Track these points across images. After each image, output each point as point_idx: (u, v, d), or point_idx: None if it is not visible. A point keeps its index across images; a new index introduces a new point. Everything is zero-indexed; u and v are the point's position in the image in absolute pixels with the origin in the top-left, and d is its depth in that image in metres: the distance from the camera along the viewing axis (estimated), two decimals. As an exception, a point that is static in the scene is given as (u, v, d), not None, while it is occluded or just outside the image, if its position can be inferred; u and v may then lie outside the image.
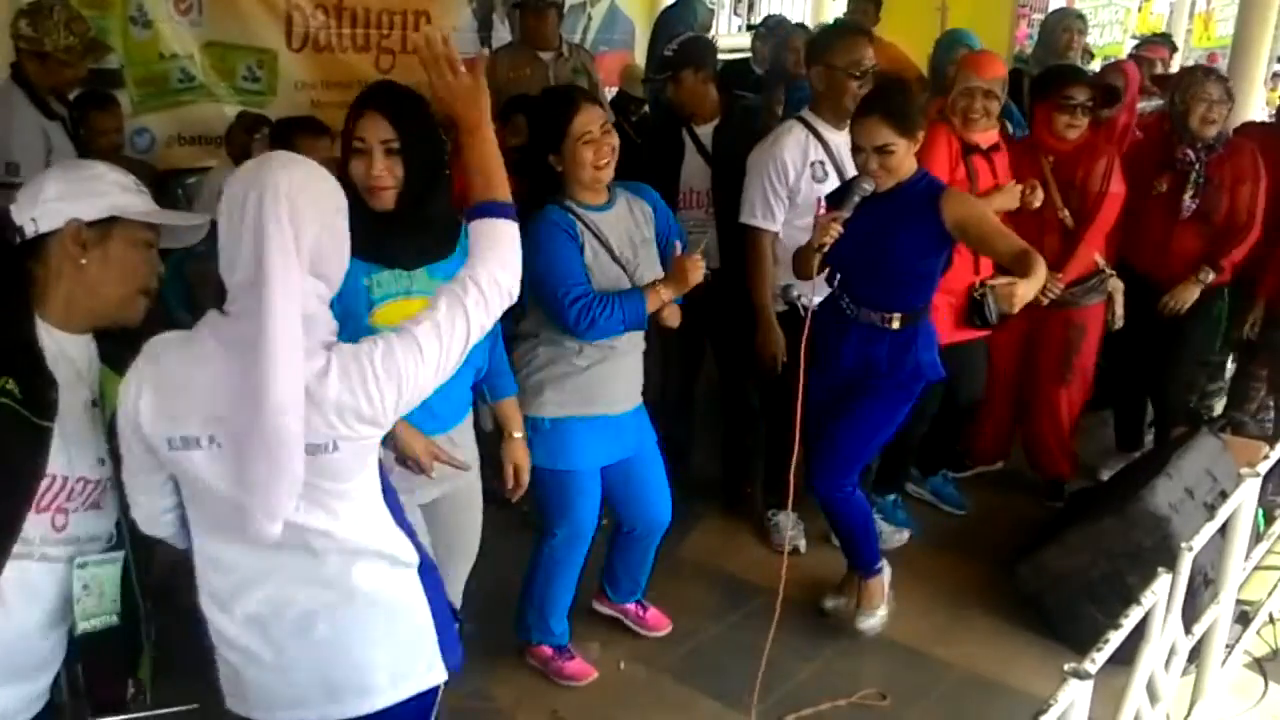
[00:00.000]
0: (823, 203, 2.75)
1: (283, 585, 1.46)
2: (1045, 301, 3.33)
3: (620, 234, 2.39)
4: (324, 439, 1.38)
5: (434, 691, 1.56)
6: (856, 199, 2.51)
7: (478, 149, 1.53)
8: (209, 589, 1.50)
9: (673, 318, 2.46)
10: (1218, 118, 3.37)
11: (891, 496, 3.42)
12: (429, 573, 1.56)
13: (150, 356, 1.42)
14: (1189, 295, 3.51)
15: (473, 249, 1.50)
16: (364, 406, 1.38)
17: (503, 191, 1.54)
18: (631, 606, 2.86)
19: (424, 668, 1.53)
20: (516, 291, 1.51)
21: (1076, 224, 3.34)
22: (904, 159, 2.52)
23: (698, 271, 2.33)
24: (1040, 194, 3.15)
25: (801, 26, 5.22)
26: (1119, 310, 3.51)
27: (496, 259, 1.49)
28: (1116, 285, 3.47)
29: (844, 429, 2.70)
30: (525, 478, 2.27)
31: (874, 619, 2.82)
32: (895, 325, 2.62)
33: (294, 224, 1.35)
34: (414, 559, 1.53)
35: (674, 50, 3.24)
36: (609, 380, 2.45)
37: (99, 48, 3.22)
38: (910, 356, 2.64)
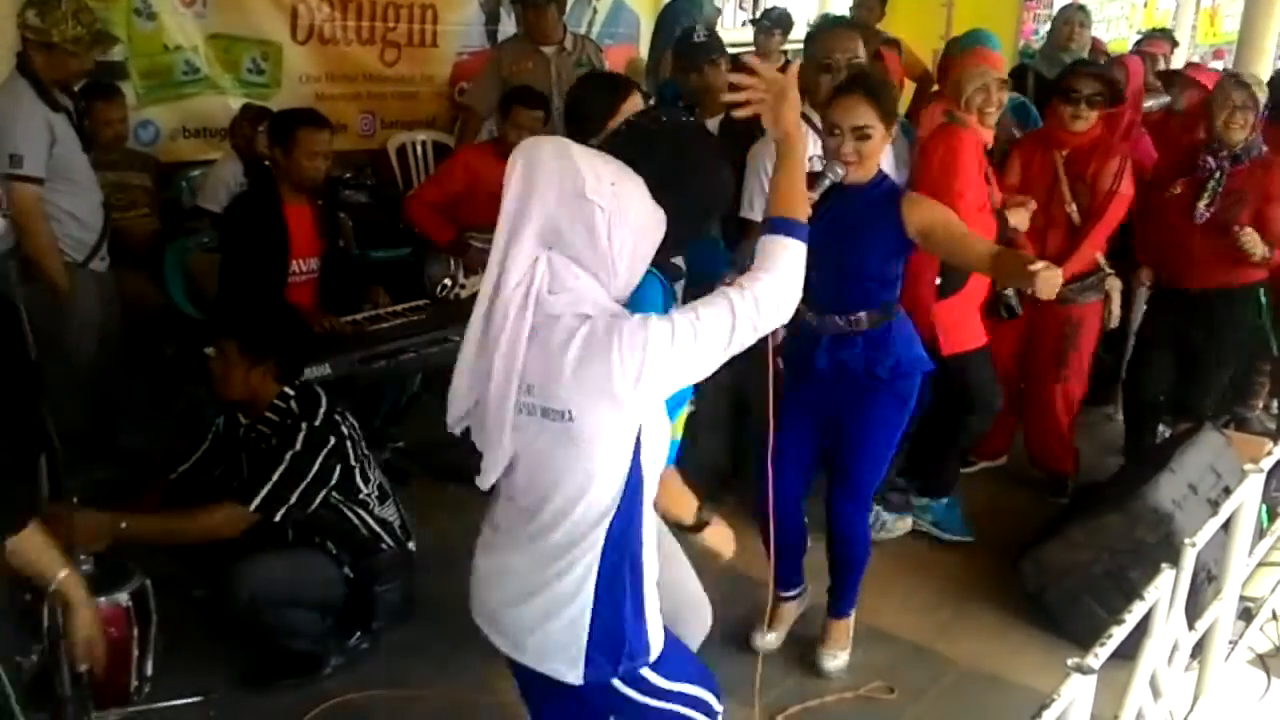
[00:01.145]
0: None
1: None
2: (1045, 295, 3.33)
3: None
4: (561, 406, 1.46)
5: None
6: (827, 182, 2.35)
7: (790, 161, 1.62)
8: None
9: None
10: (1242, 124, 3.29)
11: (944, 500, 3.36)
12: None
13: None
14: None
15: (759, 262, 1.55)
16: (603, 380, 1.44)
17: (801, 210, 1.59)
18: None
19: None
20: (788, 316, 1.56)
21: (1083, 220, 3.34)
22: (877, 148, 2.40)
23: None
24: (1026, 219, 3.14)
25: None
26: (1115, 309, 3.49)
27: (780, 277, 1.54)
28: (1114, 284, 3.46)
29: (853, 459, 2.57)
30: None
31: (842, 658, 2.74)
32: (864, 325, 2.49)
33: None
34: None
35: (705, 36, 3.21)
36: None
37: (106, 39, 3.21)
38: (888, 354, 2.49)
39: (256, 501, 2.41)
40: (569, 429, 1.48)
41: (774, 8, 5.31)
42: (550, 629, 1.59)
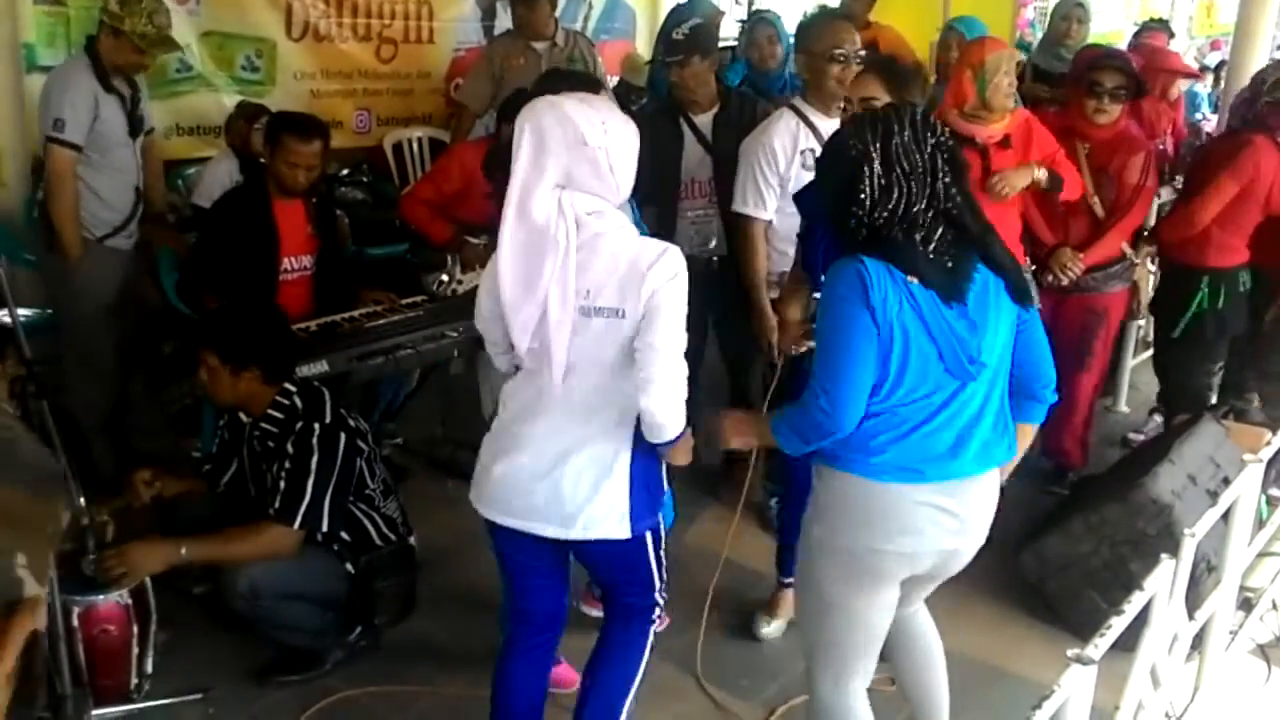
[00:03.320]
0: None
1: None
2: (1064, 281, 3.33)
3: None
4: (616, 304, 1.84)
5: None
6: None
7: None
8: None
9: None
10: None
11: None
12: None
13: None
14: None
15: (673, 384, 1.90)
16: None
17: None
18: None
19: None
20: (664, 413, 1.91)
21: (1106, 212, 3.33)
22: None
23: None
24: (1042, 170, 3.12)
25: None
26: (1144, 300, 3.49)
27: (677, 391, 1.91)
28: (1142, 274, 3.45)
29: None
30: None
31: (780, 624, 2.83)
32: None
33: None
34: None
35: (685, 34, 3.21)
36: None
37: (170, 44, 3.35)
38: None
39: (299, 519, 2.43)
40: (621, 324, 1.82)
41: (758, 10, 5.29)
42: (600, 498, 1.90)
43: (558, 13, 4.49)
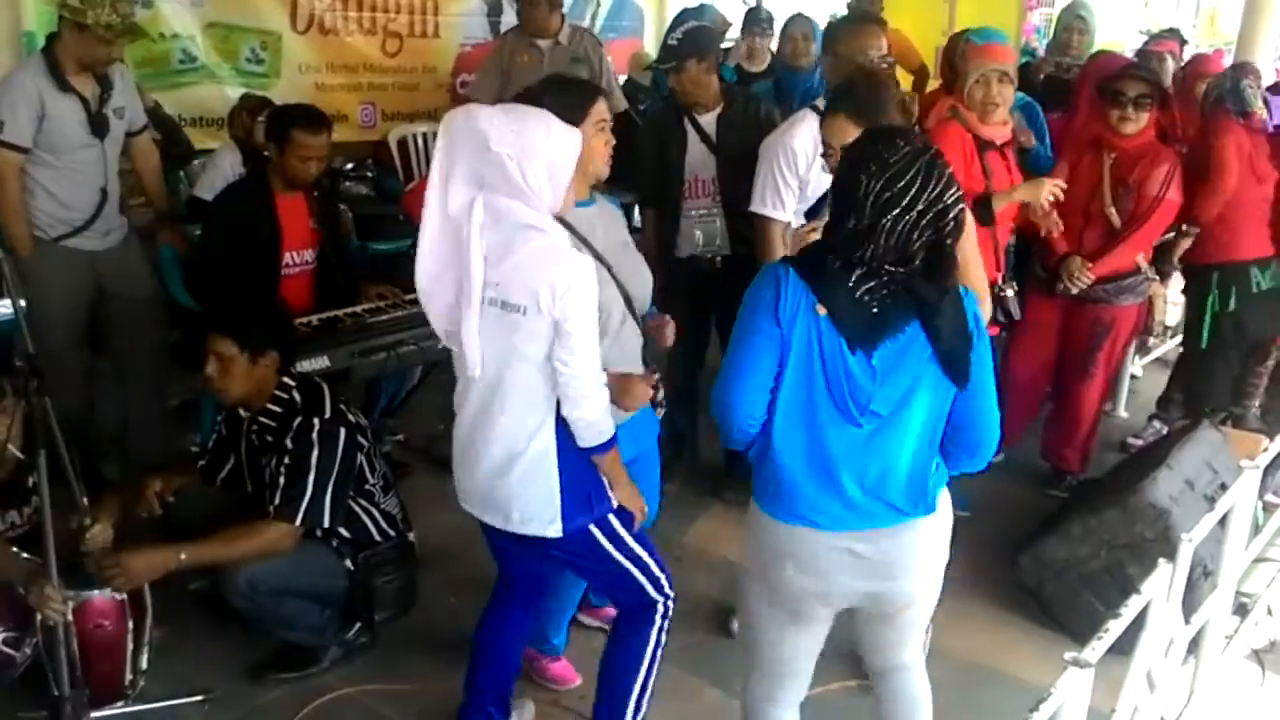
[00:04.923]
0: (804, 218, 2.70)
1: None
2: (1074, 290, 3.34)
3: (600, 232, 2.26)
4: (518, 301, 1.88)
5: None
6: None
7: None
8: None
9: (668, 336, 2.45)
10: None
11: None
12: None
13: None
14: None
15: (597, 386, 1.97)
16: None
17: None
18: (614, 610, 2.83)
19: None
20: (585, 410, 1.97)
21: (1123, 223, 3.34)
22: None
23: (640, 396, 2.17)
24: (1059, 190, 3.12)
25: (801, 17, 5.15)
26: (1159, 316, 3.49)
27: (600, 399, 1.96)
28: (1158, 290, 3.45)
29: None
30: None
31: None
32: None
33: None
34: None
35: (679, 39, 3.23)
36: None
37: (136, 31, 3.28)
38: None
39: (300, 516, 2.42)
40: (525, 321, 1.87)
41: (759, 9, 5.28)
42: (530, 495, 1.97)
43: (565, 9, 4.47)
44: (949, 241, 1.67)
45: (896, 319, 1.69)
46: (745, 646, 2.06)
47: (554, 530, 1.99)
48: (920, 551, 1.84)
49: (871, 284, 1.68)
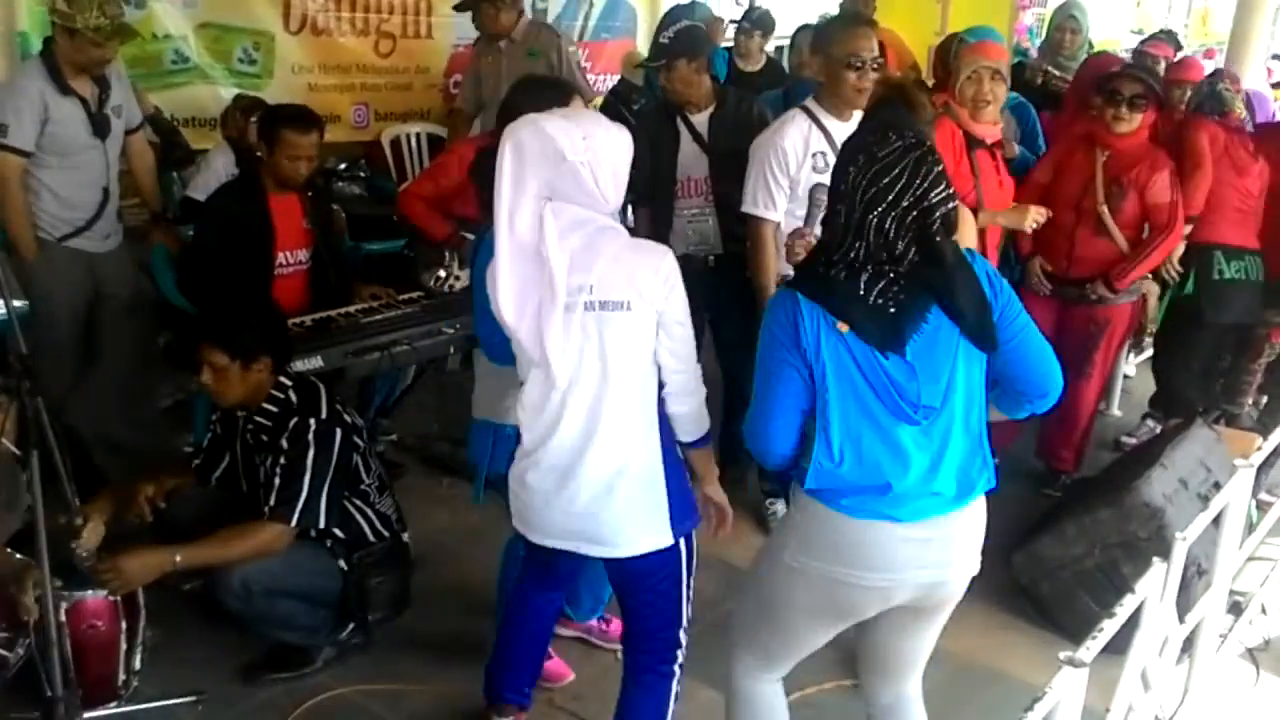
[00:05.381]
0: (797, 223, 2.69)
1: None
2: (1042, 292, 3.36)
3: None
4: (620, 298, 1.87)
5: None
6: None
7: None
8: None
9: None
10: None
11: None
12: None
13: None
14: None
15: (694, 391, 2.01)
16: None
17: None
18: (595, 624, 2.81)
19: None
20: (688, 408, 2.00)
21: (1117, 223, 3.34)
22: None
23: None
24: (1042, 217, 3.15)
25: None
26: (1153, 314, 3.50)
27: (699, 399, 2.00)
28: (1151, 289, 3.45)
29: None
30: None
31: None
32: None
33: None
34: None
35: (669, 39, 3.22)
36: None
37: (127, 31, 3.28)
38: None
39: (295, 517, 2.42)
40: (628, 317, 1.85)
41: (754, 8, 5.29)
42: (642, 506, 1.92)
43: (511, 9, 4.40)
44: (938, 239, 1.67)
45: (916, 311, 1.68)
46: (747, 627, 1.99)
47: (665, 539, 1.96)
48: (973, 535, 1.87)
49: (881, 284, 1.68)
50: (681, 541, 2.01)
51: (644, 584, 2.04)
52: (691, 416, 1.95)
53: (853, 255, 1.67)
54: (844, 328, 1.67)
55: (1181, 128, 3.68)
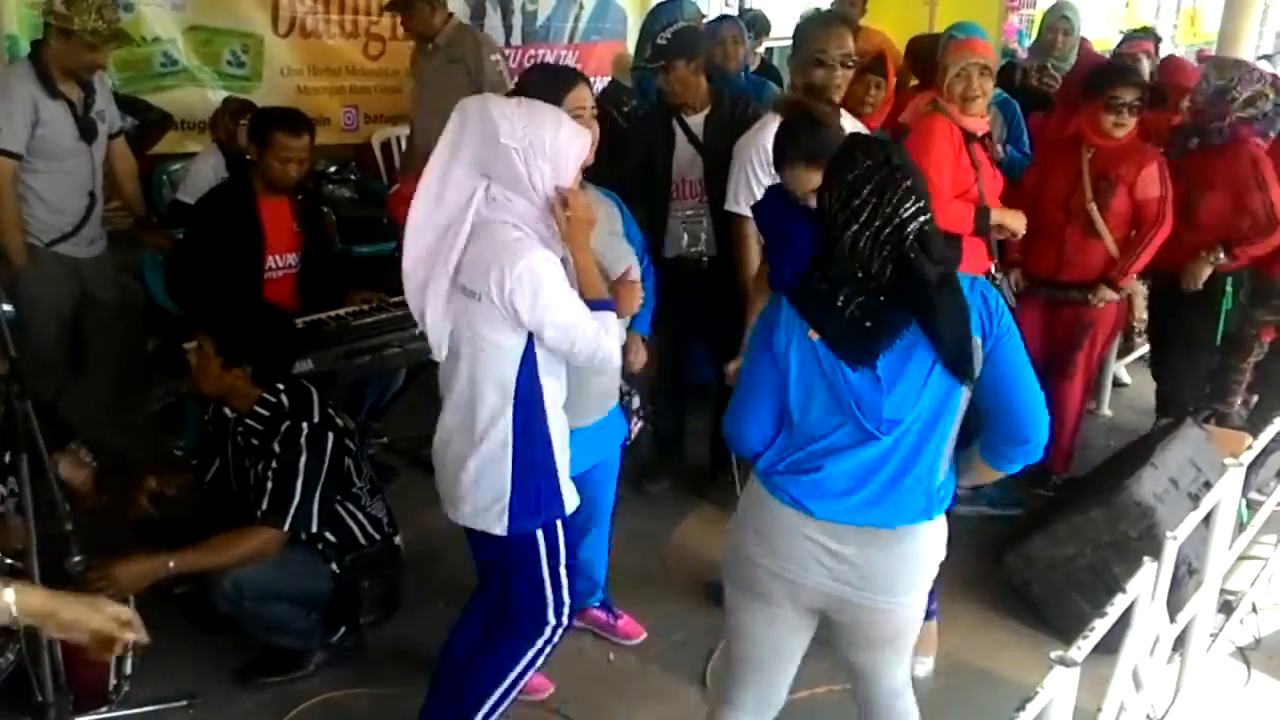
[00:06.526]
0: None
1: None
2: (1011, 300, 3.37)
3: None
4: (477, 288, 1.89)
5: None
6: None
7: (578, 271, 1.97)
8: None
9: (637, 359, 2.48)
10: None
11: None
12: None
13: None
14: (1201, 272, 3.49)
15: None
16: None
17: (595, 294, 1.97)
18: (600, 614, 2.80)
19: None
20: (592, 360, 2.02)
21: (1105, 219, 3.33)
22: None
23: (635, 298, 2.20)
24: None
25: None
26: (1139, 313, 3.50)
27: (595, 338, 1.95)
28: (1137, 288, 3.45)
29: None
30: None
31: (928, 664, 2.67)
32: None
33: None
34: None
35: (668, 39, 3.22)
36: (575, 396, 2.22)
37: (123, 37, 3.29)
38: None
39: (288, 521, 2.41)
40: (481, 307, 1.89)
41: (749, 9, 5.29)
42: (483, 487, 1.96)
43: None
44: (912, 256, 1.68)
45: (891, 328, 1.70)
46: (724, 656, 2.04)
47: (500, 528, 1.99)
48: (899, 565, 1.81)
49: (860, 299, 1.70)
50: (538, 533, 2.01)
51: (496, 559, 2.10)
52: (597, 359, 1.98)
53: (834, 273, 1.73)
54: (814, 336, 1.73)
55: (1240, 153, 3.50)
